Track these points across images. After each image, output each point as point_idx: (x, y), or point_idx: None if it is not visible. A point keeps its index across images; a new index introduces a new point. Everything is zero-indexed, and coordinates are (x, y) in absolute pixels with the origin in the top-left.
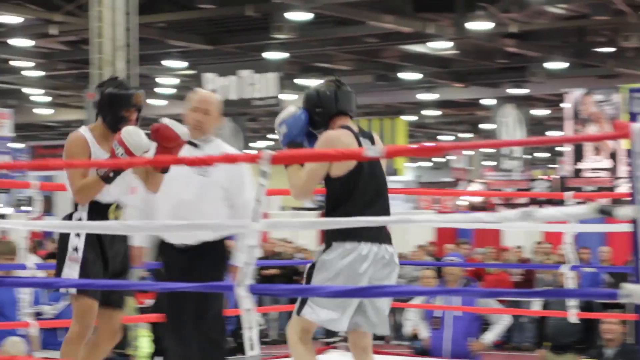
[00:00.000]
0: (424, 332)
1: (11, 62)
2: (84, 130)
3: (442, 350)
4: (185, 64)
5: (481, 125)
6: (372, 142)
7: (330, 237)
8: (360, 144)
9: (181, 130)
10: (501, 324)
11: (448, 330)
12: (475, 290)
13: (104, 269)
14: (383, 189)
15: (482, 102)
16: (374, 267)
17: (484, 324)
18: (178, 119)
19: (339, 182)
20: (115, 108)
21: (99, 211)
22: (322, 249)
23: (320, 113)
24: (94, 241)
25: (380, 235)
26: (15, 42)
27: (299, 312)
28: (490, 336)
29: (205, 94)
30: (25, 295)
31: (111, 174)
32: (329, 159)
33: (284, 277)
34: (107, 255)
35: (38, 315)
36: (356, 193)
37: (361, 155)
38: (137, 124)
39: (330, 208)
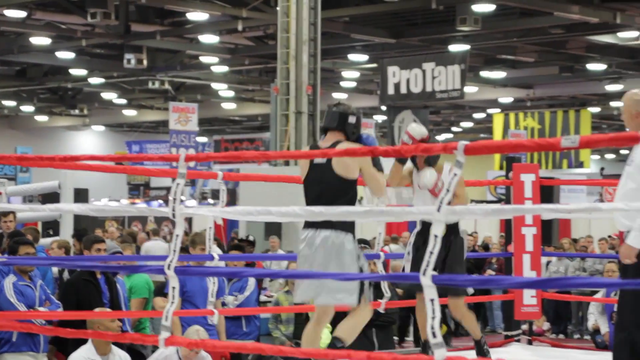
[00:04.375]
0: (604, 327)
1: (199, 58)
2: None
3: None
4: (366, 57)
5: None
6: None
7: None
8: None
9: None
10: None
11: None
12: None
13: None
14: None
15: None
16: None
17: None
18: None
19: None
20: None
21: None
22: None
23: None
24: None
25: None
26: (203, 38)
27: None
28: None
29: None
30: (211, 285)
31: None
32: (524, 150)
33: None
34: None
35: (223, 305)
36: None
37: (558, 146)
38: None
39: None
